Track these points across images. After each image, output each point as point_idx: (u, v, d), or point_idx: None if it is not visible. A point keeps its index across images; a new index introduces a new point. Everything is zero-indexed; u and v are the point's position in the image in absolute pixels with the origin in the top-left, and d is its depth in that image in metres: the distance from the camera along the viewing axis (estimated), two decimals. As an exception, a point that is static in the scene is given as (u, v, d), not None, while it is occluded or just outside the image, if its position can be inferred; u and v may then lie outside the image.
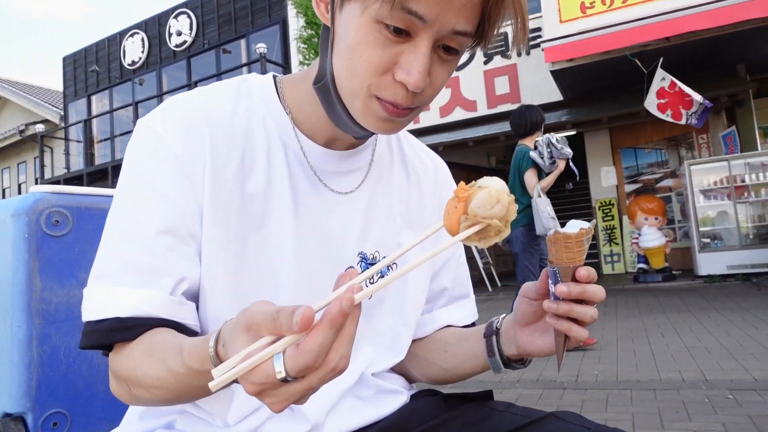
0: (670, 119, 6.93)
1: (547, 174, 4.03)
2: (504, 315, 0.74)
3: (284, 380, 0.41)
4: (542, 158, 3.97)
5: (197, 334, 0.63)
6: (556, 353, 0.65)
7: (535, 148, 4.07)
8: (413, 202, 0.80)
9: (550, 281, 0.62)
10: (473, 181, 0.55)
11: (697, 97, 6.63)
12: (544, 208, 3.90)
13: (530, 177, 4.02)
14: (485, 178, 0.55)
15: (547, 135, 4.02)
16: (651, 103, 6.96)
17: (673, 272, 7.77)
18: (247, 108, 0.69)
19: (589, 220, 0.62)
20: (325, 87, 0.64)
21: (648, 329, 4.55)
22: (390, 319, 0.76)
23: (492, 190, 0.53)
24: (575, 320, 0.61)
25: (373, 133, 0.71)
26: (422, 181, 0.82)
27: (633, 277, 8.03)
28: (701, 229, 7.65)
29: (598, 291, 0.60)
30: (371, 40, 0.57)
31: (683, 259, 8.44)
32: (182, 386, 0.54)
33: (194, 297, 0.64)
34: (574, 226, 0.59)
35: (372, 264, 0.74)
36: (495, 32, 0.59)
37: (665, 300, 6.15)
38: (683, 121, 6.91)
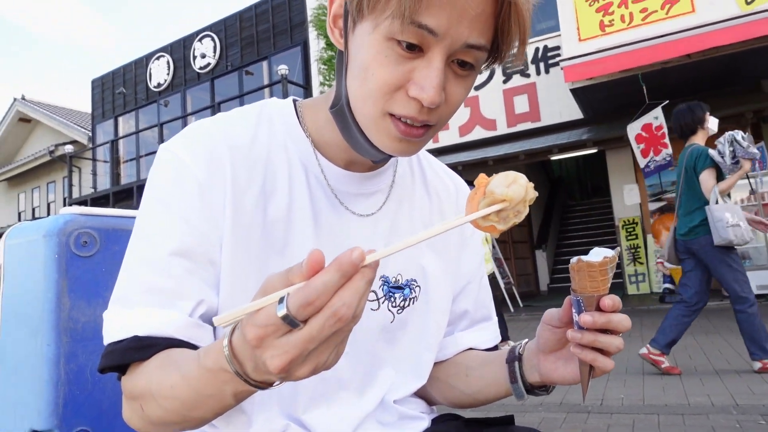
0: (638, 153, 7.00)
1: (728, 175, 3.50)
2: (526, 340, 0.73)
3: (285, 319, 0.40)
4: (723, 157, 3.48)
5: None
6: (581, 383, 0.63)
7: (714, 146, 3.56)
8: (435, 223, 0.80)
9: (573, 310, 0.61)
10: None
11: (668, 149, 6.69)
12: (720, 216, 3.36)
13: (707, 178, 3.47)
14: None
15: (731, 132, 3.51)
16: (634, 129, 6.99)
17: (701, 293, 7.56)
18: (268, 133, 0.69)
19: (613, 247, 0.60)
20: (341, 111, 0.64)
21: (675, 351, 4.43)
22: (413, 343, 0.75)
23: (510, 173, 0.53)
24: (600, 350, 0.60)
25: (391, 157, 0.72)
26: (443, 202, 0.82)
27: (659, 298, 7.84)
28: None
29: (623, 320, 0.59)
30: (383, 58, 0.57)
31: (711, 279, 8.23)
32: (194, 395, 0.52)
33: (210, 321, 0.63)
34: (598, 254, 0.57)
35: (396, 287, 0.73)
36: (510, 46, 0.59)
37: (693, 321, 5.97)
38: (642, 165, 7.00)
